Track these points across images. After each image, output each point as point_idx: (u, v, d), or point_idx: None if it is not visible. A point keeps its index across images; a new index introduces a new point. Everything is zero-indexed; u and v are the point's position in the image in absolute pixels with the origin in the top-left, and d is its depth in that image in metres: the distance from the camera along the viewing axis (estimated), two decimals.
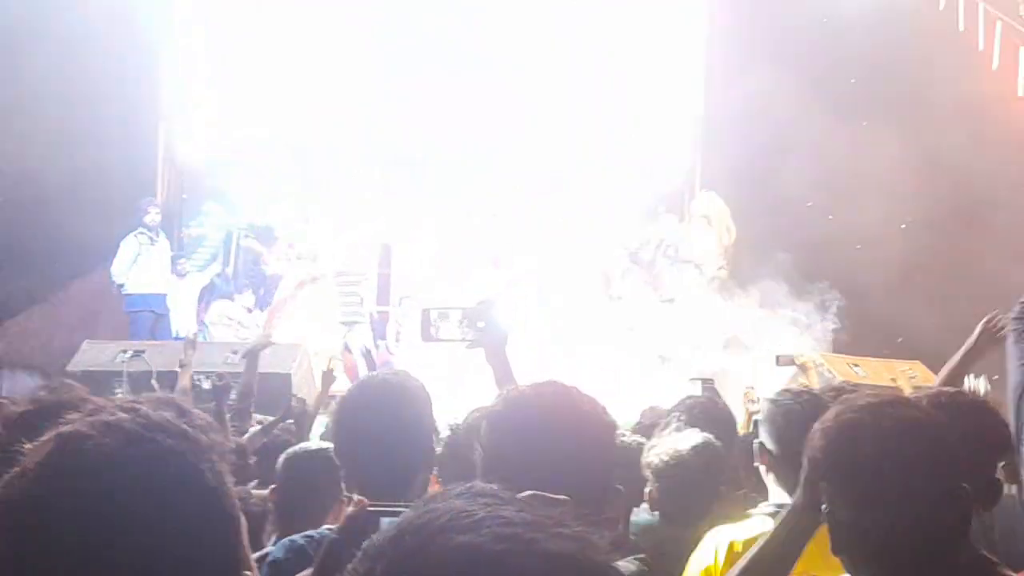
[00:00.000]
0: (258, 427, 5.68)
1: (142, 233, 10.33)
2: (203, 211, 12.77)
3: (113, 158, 10.98)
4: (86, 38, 10.60)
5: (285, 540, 2.54)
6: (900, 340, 9.61)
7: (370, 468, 2.32)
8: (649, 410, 5.38)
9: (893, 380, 8.06)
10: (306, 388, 7.90)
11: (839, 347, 9.61)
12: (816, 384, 6.35)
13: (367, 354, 10.58)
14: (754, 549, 1.93)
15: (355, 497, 1.62)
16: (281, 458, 3.60)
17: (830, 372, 8.40)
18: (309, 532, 2.52)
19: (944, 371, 3.63)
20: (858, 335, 9.78)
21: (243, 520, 1.19)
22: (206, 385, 6.16)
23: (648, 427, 4.42)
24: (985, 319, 3.54)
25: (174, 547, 1.11)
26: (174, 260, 11.14)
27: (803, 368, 6.61)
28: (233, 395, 6.09)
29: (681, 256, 10.30)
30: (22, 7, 10.55)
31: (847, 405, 1.78)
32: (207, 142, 12.72)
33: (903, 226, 10.45)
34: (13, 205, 10.31)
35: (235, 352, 8.31)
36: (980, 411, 2.27)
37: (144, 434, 1.14)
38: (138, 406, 1.18)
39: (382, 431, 2.34)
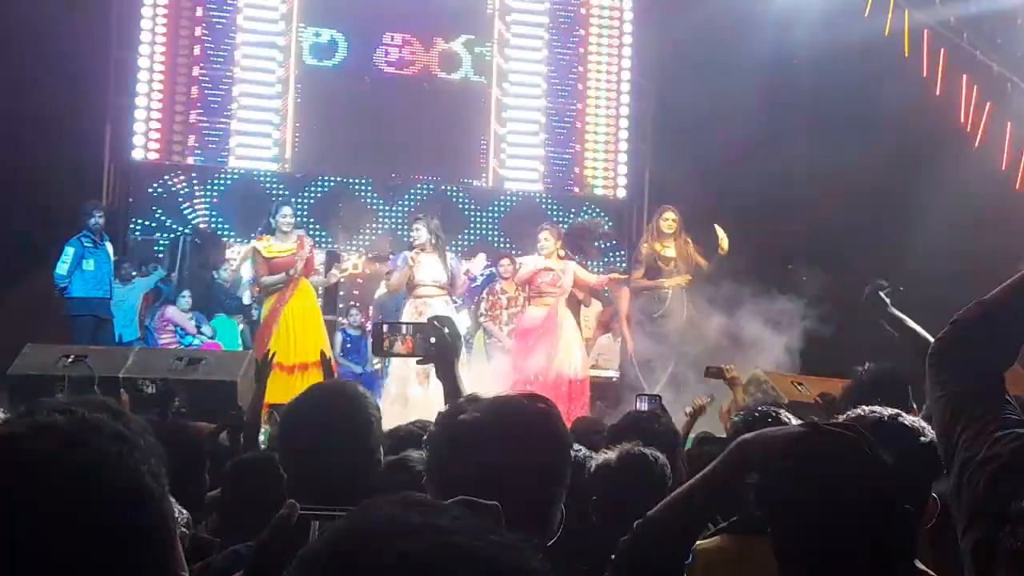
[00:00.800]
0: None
1: (86, 236, 10.21)
2: (149, 214, 12.68)
3: (58, 160, 10.87)
4: (32, 37, 10.50)
5: (228, 551, 2.52)
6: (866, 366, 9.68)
7: (315, 477, 2.32)
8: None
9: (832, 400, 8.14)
10: (251, 396, 7.83)
11: (806, 361, 9.66)
12: (741, 400, 6.41)
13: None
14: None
15: (288, 501, 1.62)
16: (227, 466, 3.58)
17: (774, 390, 8.48)
18: (251, 543, 2.50)
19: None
20: (819, 351, 9.84)
21: (178, 523, 1.20)
22: (150, 390, 6.09)
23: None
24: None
25: (109, 549, 1.11)
26: (118, 264, 11.02)
27: (731, 382, 6.65)
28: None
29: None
30: None
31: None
32: (154, 144, 12.66)
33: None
34: None
35: (180, 359, 8.24)
36: (911, 434, 2.30)
37: (79, 435, 1.13)
38: (73, 408, 1.18)
39: (327, 440, 2.34)
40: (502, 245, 13.21)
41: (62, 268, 10.07)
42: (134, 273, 11.75)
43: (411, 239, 9.64)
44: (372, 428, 2.45)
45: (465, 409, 1.92)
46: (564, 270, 9.76)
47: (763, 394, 8.61)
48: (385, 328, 2.82)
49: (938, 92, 11.77)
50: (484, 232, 13.62)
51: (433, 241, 9.51)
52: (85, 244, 10.19)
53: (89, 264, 10.21)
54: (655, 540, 1.74)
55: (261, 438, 5.34)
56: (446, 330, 2.71)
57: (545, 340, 9.54)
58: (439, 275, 9.44)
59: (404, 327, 2.82)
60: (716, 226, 10.09)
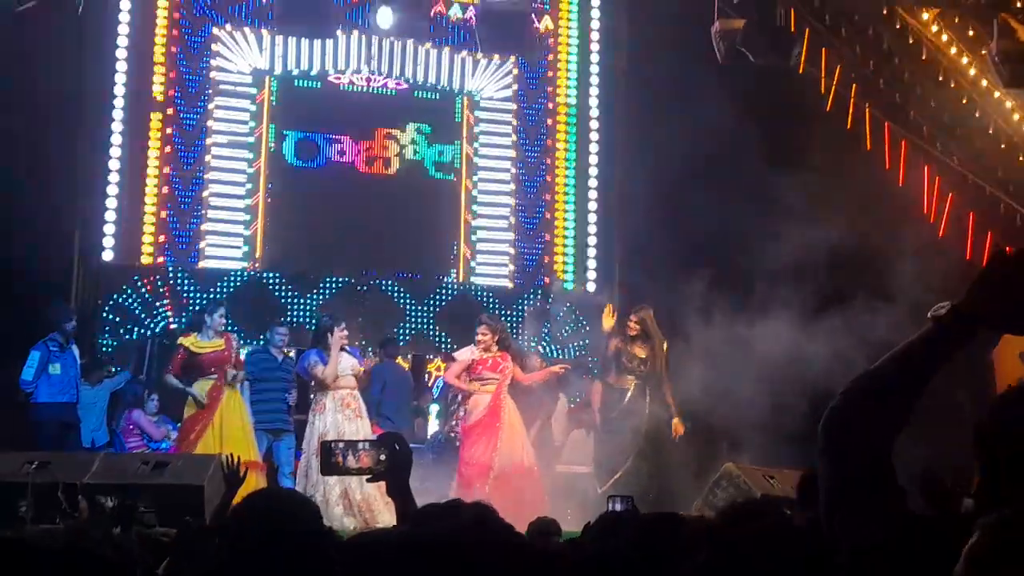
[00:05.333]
0: None
1: (52, 341, 10.13)
2: (118, 315, 12.62)
3: (28, 261, 10.85)
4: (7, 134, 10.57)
5: None
6: None
7: None
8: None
9: None
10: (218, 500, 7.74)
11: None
12: None
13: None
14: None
15: None
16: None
17: (746, 484, 8.46)
18: None
19: None
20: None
21: None
22: (109, 504, 5.99)
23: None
24: None
25: None
26: (85, 368, 10.92)
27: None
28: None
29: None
30: None
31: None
32: (123, 248, 12.67)
33: None
34: None
35: (146, 463, 8.15)
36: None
37: None
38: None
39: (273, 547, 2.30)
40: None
41: (28, 373, 9.97)
42: (104, 376, 11.65)
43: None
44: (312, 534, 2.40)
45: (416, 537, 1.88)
46: (503, 357, 9.81)
47: (735, 488, 8.60)
48: (339, 445, 2.81)
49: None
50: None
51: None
52: (51, 348, 10.11)
53: (55, 368, 10.11)
54: (876, 394, 1.75)
55: None
56: (396, 446, 2.69)
57: (488, 432, 9.52)
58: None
59: (360, 443, 2.81)
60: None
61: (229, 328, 10.51)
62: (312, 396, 9.76)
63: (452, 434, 10.03)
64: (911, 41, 12.55)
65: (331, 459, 2.81)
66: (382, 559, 1.84)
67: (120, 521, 5.16)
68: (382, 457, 2.72)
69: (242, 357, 10.22)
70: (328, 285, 13.32)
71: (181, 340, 10.08)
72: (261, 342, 10.96)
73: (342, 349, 9.55)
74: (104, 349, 12.34)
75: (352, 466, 2.78)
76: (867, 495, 1.81)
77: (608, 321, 10.16)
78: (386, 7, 12.87)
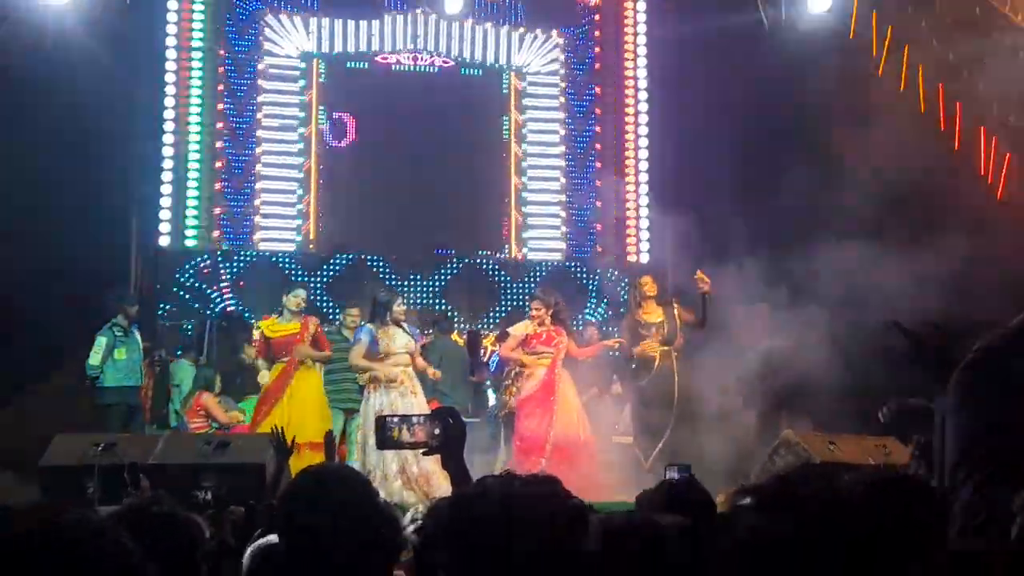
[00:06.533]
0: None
1: (116, 326, 10.31)
2: (175, 300, 12.81)
3: (86, 247, 11.02)
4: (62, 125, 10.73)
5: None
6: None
7: (320, 562, 2.31)
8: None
9: (870, 459, 8.07)
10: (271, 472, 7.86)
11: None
12: None
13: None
14: None
15: None
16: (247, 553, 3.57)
17: (806, 451, 8.42)
18: None
19: None
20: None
21: None
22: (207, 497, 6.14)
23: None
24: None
25: None
26: (147, 351, 11.10)
27: None
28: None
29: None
30: None
31: None
32: (179, 233, 12.85)
33: None
34: None
35: (208, 443, 8.29)
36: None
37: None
38: None
39: (329, 523, 2.33)
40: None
41: (94, 358, 10.13)
42: (164, 358, 11.84)
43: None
44: (370, 508, 2.42)
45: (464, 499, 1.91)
46: (558, 332, 9.80)
47: (795, 456, 8.55)
48: (394, 420, 2.85)
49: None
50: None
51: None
52: (116, 333, 10.29)
53: (121, 353, 10.28)
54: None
55: None
56: (451, 420, 2.73)
57: (543, 406, 9.54)
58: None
59: (414, 417, 2.86)
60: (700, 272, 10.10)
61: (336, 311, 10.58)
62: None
63: (507, 408, 10.05)
64: None
65: (386, 433, 2.85)
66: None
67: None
68: (436, 431, 2.77)
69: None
70: (382, 267, 13.44)
71: (259, 323, 10.21)
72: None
73: (398, 325, 9.58)
74: (164, 333, 12.53)
75: (407, 440, 2.83)
76: (1003, 444, 1.84)
77: (647, 288, 10.11)
78: None
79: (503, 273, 13.84)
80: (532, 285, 13.33)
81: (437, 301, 13.54)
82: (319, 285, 13.12)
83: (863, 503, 1.76)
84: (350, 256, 13.44)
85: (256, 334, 11.86)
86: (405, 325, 9.77)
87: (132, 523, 2.41)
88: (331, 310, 12.57)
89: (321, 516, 2.32)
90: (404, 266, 13.51)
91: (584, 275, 13.91)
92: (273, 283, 12.58)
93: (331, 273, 13.34)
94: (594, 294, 13.70)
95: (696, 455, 8.57)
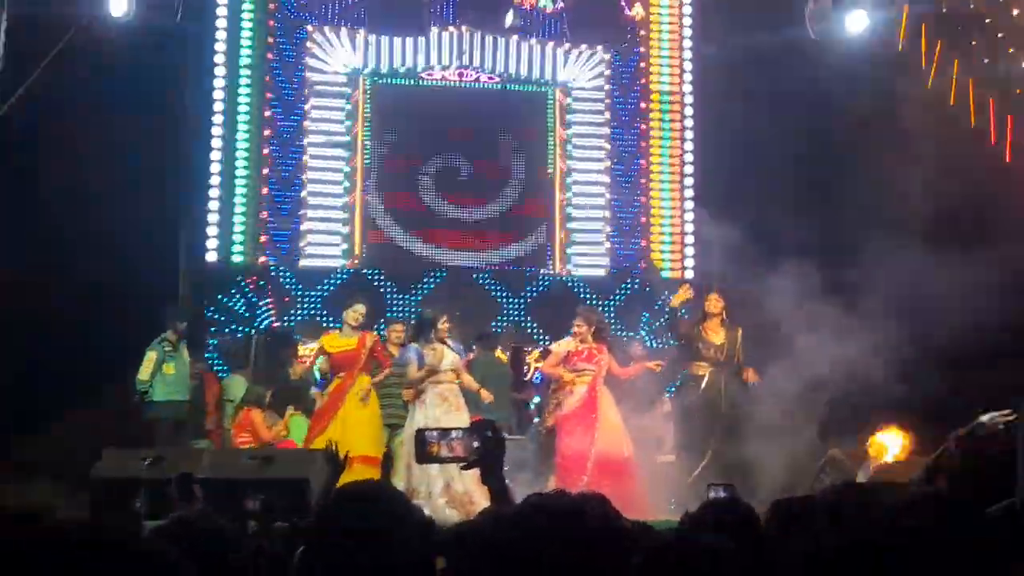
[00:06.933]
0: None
1: (165, 340, 10.42)
2: (223, 316, 12.91)
3: (134, 264, 11.15)
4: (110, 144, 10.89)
5: None
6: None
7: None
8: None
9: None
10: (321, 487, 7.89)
11: None
12: None
13: None
14: None
15: None
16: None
17: (851, 469, 8.32)
18: None
19: None
20: None
21: None
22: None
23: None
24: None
25: None
26: (195, 366, 11.19)
27: None
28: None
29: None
30: (36, 113, 10.86)
31: None
32: (225, 249, 12.95)
33: None
34: (29, 313, 10.45)
35: (253, 458, 8.35)
36: None
37: None
38: None
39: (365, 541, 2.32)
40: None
41: (144, 374, 10.24)
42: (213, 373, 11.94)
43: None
44: (408, 525, 2.41)
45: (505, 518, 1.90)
46: (599, 350, 9.77)
47: (840, 473, 8.46)
48: (433, 434, 2.84)
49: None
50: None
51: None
52: (165, 348, 10.40)
53: (170, 368, 10.40)
54: None
55: None
56: (489, 433, 2.72)
57: (584, 423, 9.50)
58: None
59: (453, 432, 2.84)
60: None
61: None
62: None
63: (548, 426, 10.02)
64: (1015, 13, 12.15)
65: (425, 448, 2.84)
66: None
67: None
68: (475, 445, 2.75)
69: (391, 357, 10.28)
70: (429, 281, 13.47)
71: (321, 339, 10.30)
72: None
73: (443, 342, 9.59)
74: (210, 348, 12.63)
75: (446, 454, 2.81)
76: None
77: (679, 298, 10.08)
78: (512, 10, 13.18)
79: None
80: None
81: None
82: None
83: (893, 523, 1.74)
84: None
85: (303, 350, 11.93)
86: (451, 342, 9.77)
87: (177, 536, 2.43)
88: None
89: (354, 536, 2.32)
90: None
91: (629, 291, 13.85)
92: (320, 298, 12.68)
93: (382, 288, 13.37)
94: (641, 311, 13.63)
95: (743, 471, 8.50)
